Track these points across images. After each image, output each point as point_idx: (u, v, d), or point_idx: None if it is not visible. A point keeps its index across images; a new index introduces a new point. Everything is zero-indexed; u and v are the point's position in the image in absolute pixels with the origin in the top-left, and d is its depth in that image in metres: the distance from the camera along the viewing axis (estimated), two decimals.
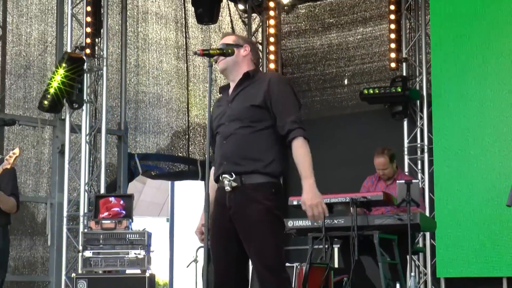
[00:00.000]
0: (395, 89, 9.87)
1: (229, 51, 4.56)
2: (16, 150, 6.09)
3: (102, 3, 9.69)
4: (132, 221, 8.48)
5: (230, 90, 4.66)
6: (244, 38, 4.77)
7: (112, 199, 8.56)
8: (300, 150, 4.42)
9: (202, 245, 4.53)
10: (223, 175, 4.49)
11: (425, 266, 9.69)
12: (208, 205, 4.45)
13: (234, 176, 4.46)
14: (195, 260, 9.89)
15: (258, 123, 4.49)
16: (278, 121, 4.48)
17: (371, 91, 9.99)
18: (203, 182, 4.97)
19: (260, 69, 11.31)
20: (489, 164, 9.02)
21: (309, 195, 4.34)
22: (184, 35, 11.38)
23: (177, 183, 14.15)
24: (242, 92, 4.58)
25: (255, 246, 4.38)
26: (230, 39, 4.67)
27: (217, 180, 4.58)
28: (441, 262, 9.22)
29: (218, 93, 4.88)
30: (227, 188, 4.47)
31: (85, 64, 9.31)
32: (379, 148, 8.27)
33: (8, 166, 6.00)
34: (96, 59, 9.65)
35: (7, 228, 6.32)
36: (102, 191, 9.24)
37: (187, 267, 10.17)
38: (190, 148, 11.27)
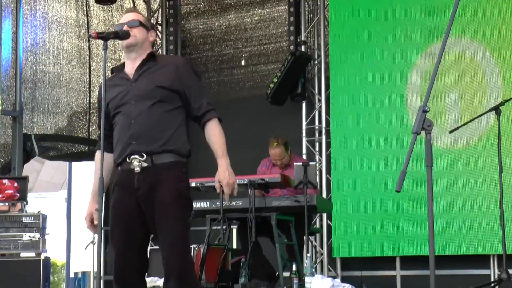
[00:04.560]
0: (288, 60, 9.86)
1: (125, 34, 4.52)
2: None
3: None
4: (27, 204, 8.33)
5: (129, 70, 4.60)
6: (150, 22, 4.72)
7: (5, 181, 8.37)
8: (217, 130, 4.52)
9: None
10: (132, 156, 4.44)
11: (321, 246, 9.83)
12: (102, 189, 4.40)
13: (145, 156, 4.41)
14: (93, 242, 9.82)
15: (168, 103, 4.48)
16: (194, 103, 4.52)
17: (271, 84, 9.94)
18: None
19: (160, 49, 11.29)
20: (384, 147, 9.20)
21: (226, 174, 4.42)
22: (86, 13, 11.19)
23: (74, 163, 13.97)
24: (147, 72, 4.54)
25: (166, 229, 4.35)
26: (136, 17, 4.63)
27: (121, 162, 4.52)
28: (337, 242, 9.37)
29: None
30: (137, 169, 4.41)
31: None
32: (273, 138, 8.33)
33: None
34: None
35: None
36: None
37: (85, 249, 10.09)
38: (91, 128, 11.12)
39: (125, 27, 4.55)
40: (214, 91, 11.07)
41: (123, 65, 4.69)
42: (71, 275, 12.43)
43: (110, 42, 4.59)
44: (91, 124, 11.13)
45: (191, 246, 4.53)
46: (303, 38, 10.33)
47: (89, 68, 11.19)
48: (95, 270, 10.68)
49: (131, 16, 4.63)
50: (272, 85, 9.88)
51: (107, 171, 4.61)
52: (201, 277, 7.18)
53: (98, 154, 4.63)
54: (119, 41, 4.60)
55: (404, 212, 8.95)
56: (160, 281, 6.12)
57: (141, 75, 4.55)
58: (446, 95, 8.89)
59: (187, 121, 4.57)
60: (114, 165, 4.64)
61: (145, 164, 4.41)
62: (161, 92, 4.47)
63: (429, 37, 9.10)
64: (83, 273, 11.45)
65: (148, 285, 4.64)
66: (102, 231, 4.48)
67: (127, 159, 4.45)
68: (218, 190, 4.51)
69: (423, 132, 3.55)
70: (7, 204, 8.18)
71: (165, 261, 4.34)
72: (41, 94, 10.65)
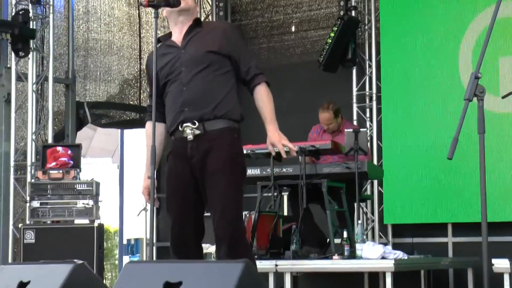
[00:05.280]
0: (337, 25, 9.77)
1: (175, 2, 4.53)
2: None
3: None
4: (80, 171, 8.43)
5: (176, 38, 4.62)
6: None
7: (59, 148, 8.47)
8: (265, 95, 4.52)
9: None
10: (184, 124, 4.46)
11: (372, 213, 9.81)
12: (154, 158, 4.45)
13: (197, 123, 4.43)
14: (145, 209, 9.93)
15: (218, 68, 4.50)
16: (243, 65, 4.54)
17: (323, 51, 9.85)
18: None
19: (210, 16, 11.31)
20: (435, 114, 9.12)
21: (276, 135, 4.44)
22: None
23: (126, 131, 14.10)
24: (195, 38, 4.56)
25: (216, 197, 4.38)
26: None
27: (174, 130, 4.55)
28: (388, 209, 9.34)
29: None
30: (190, 137, 4.44)
31: (31, 11, 9.16)
32: (325, 102, 8.32)
33: None
34: (42, 6, 9.49)
35: None
36: (50, 140, 9.15)
37: (138, 215, 10.20)
38: (142, 96, 11.19)
39: None
40: (264, 58, 11.05)
41: (170, 34, 4.70)
42: (124, 242, 12.63)
43: (159, 10, 4.61)
44: (142, 91, 11.21)
45: (243, 212, 4.54)
46: (353, 3, 10.24)
47: (139, 35, 11.25)
48: (148, 236, 10.84)
49: None
50: (323, 52, 9.82)
51: (159, 141, 4.65)
52: (253, 243, 7.23)
53: (148, 124, 4.66)
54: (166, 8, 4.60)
55: (456, 179, 8.89)
56: (212, 248, 6.17)
57: (189, 41, 4.56)
58: (498, 60, 8.77)
59: (238, 85, 4.59)
60: (167, 134, 4.67)
61: (197, 132, 4.44)
62: (211, 57, 4.48)
63: (481, 2, 8.96)
64: (136, 240, 11.63)
65: None
66: (155, 197, 4.54)
67: (180, 127, 4.48)
68: (273, 154, 4.55)
69: (475, 99, 3.52)
70: (61, 171, 8.28)
71: (216, 228, 4.38)
72: (93, 61, 10.75)
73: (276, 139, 4.42)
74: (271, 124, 4.48)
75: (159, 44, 4.69)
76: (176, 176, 4.53)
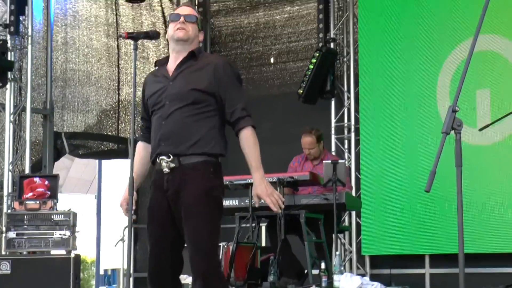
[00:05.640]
0: (315, 57, 9.83)
1: (155, 34, 4.53)
2: None
3: None
4: (57, 202, 8.38)
5: (170, 66, 4.58)
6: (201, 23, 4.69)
7: (36, 179, 8.44)
8: (251, 140, 4.38)
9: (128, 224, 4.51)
10: (161, 157, 4.42)
11: (350, 244, 9.82)
12: (132, 189, 4.43)
13: (171, 157, 4.39)
14: (122, 239, 9.89)
15: (200, 107, 4.40)
16: (228, 107, 4.42)
17: (303, 84, 9.88)
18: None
19: None
20: (414, 145, 9.17)
21: (262, 186, 4.32)
22: (115, 12, 11.25)
23: (104, 161, 14.05)
24: (186, 71, 4.46)
25: (190, 230, 4.33)
26: (193, 12, 4.59)
27: (154, 161, 4.53)
28: (366, 240, 9.35)
29: (151, 68, 4.80)
30: (165, 170, 4.39)
31: (9, 42, 9.15)
32: (307, 127, 8.36)
33: None
34: (21, 37, 9.48)
35: None
36: (27, 170, 9.12)
37: (115, 246, 10.15)
38: (120, 126, 11.17)
39: (182, 19, 4.49)
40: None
41: (166, 59, 4.65)
42: (101, 272, 12.54)
43: (138, 42, 4.61)
44: (120, 122, 11.19)
45: (219, 245, 4.49)
46: (332, 36, 10.31)
47: (118, 66, 11.25)
48: (125, 267, 10.77)
49: (188, 10, 4.58)
50: (303, 84, 9.86)
51: (146, 161, 4.63)
52: (230, 274, 7.21)
53: (138, 144, 4.67)
54: (152, 41, 4.60)
55: (434, 210, 8.92)
56: (190, 279, 6.15)
57: (179, 75, 4.48)
58: (475, 93, 8.84)
59: (222, 125, 4.50)
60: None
61: (172, 165, 4.39)
62: (195, 95, 4.40)
63: (459, 36, 9.05)
64: (113, 270, 11.55)
65: (182, 282, 4.66)
66: (132, 229, 4.51)
67: (157, 159, 4.47)
68: (257, 205, 4.47)
69: (452, 132, 3.54)
70: (38, 202, 8.24)
71: (191, 262, 4.35)
72: (71, 92, 10.73)
73: (264, 193, 4.32)
74: (256, 172, 4.35)
75: (155, 69, 4.66)
76: (154, 207, 4.50)
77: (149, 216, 4.51)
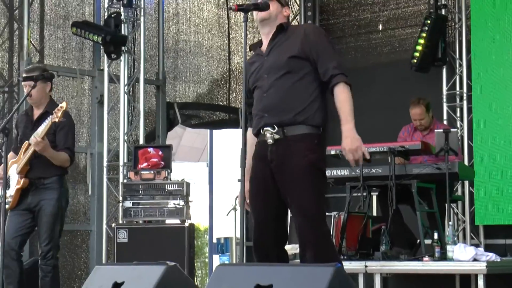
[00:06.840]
0: (426, 24, 9.63)
1: (264, 6, 4.56)
2: (63, 104, 6.20)
3: None
4: (171, 172, 8.53)
5: (264, 45, 4.67)
6: None
7: (150, 149, 8.59)
8: (342, 95, 4.44)
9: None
10: (265, 128, 4.49)
11: (463, 214, 9.68)
12: (244, 160, 4.49)
13: (276, 128, 4.46)
14: (234, 208, 9.99)
15: (297, 73, 4.49)
16: (320, 67, 4.49)
17: (416, 53, 9.70)
18: None
19: (298, 16, 11.32)
20: None
21: (348, 140, 4.36)
22: None
23: (216, 130, 14.21)
24: (277, 44, 4.60)
25: (296, 200, 4.39)
26: None
27: (257, 134, 4.58)
28: (479, 209, 9.22)
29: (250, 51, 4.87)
30: (269, 141, 4.46)
31: (122, 14, 9.32)
32: (414, 98, 8.23)
33: (56, 120, 6.12)
34: (133, 9, 9.65)
35: (63, 179, 6.48)
36: (141, 141, 9.31)
37: (227, 215, 10.27)
38: (231, 96, 11.28)
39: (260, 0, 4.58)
40: (351, 57, 10.99)
41: (260, 42, 4.74)
42: (214, 240, 12.70)
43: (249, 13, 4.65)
44: (231, 92, 11.29)
45: (326, 215, 4.52)
46: (443, 1, 10.11)
47: (228, 36, 11.34)
48: (237, 236, 10.91)
49: None
50: (416, 54, 9.68)
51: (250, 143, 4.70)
52: (342, 244, 7.22)
53: (249, 132, 4.74)
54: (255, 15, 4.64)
55: None
56: (296, 248, 6.18)
57: (272, 49, 4.60)
58: None
59: (322, 89, 4.55)
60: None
61: (277, 136, 4.46)
62: (290, 62, 4.48)
63: None
64: (226, 239, 11.68)
65: (289, 252, 4.69)
66: (243, 202, 4.57)
67: (261, 131, 4.52)
68: (352, 165, 4.47)
69: None
70: (152, 172, 8.41)
71: (299, 232, 4.38)
72: (182, 63, 10.89)
73: (346, 146, 4.35)
74: (345, 125, 4.39)
75: (251, 52, 4.75)
76: (257, 179, 4.56)
77: (252, 187, 4.56)
